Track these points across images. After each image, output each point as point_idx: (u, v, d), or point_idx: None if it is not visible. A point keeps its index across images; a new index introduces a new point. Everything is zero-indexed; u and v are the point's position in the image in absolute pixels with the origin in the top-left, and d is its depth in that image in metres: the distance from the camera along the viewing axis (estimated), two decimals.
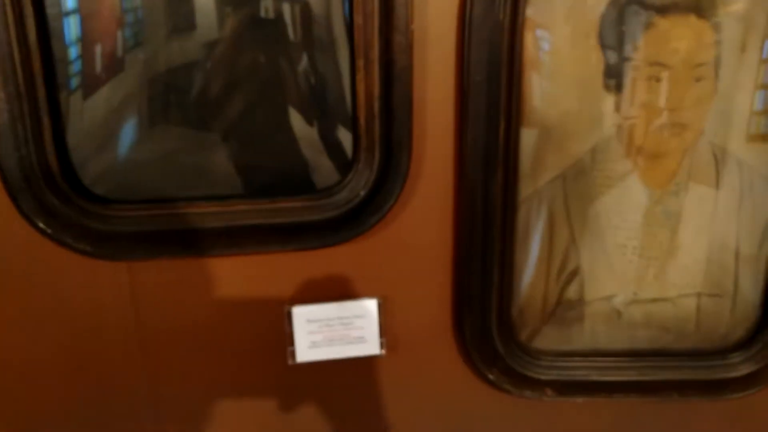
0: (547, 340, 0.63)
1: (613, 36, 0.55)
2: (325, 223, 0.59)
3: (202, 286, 0.63)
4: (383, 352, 0.64)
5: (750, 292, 0.62)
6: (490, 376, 0.64)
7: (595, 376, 0.62)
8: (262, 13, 0.55)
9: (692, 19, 0.54)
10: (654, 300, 0.62)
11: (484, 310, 0.62)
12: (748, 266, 0.61)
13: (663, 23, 0.54)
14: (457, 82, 0.55)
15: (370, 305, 0.63)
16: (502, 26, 0.52)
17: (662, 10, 0.54)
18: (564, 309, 0.63)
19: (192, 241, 0.59)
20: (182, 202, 0.59)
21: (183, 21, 0.55)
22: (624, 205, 0.59)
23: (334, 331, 0.64)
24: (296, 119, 0.58)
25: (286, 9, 0.55)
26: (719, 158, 0.57)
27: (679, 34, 0.53)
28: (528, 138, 0.57)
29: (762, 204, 0.59)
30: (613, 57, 0.55)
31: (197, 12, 0.55)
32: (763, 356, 0.61)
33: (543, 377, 0.62)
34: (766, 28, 0.56)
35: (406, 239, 0.60)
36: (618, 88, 0.56)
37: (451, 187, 0.59)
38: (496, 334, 0.62)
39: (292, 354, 0.63)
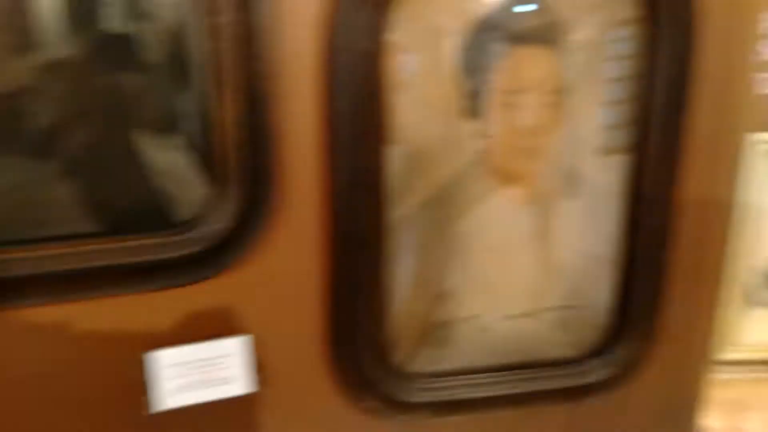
0: (421, 362, 0.64)
1: (472, 63, 0.57)
2: (185, 261, 0.54)
3: (46, 335, 0.54)
4: (258, 389, 0.60)
5: (607, 300, 0.68)
6: (366, 404, 0.63)
7: (469, 394, 0.63)
8: (113, 32, 0.49)
9: (544, 48, 0.58)
10: (521, 315, 0.65)
11: (356, 337, 0.61)
12: (605, 275, 0.67)
13: (518, 52, 0.57)
14: (321, 108, 0.54)
15: (237, 343, 0.59)
16: (366, 52, 0.52)
17: (517, 40, 0.57)
18: (436, 330, 0.64)
19: (21, 289, 0.51)
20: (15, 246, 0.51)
21: (21, 39, 0.47)
22: (489, 224, 0.62)
23: (201, 373, 0.59)
24: (151, 148, 0.53)
25: (140, 28, 0.49)
26: (575, 174, 0.62)
27: (533, 62, 0.57)
28: (395, 162, 0.58)
29: (614, 214, 0.65)
30: (472, 83, 0.58)
31: (37, 29, 0.47)
32: (620, 360, 0.67)
33: (418, 400, 0.63)
34: (606, 53, 0.62)
35: (276, 271, 0.57)
36: (477, 114, 0.58)
37: (319, 216, 0.57)
38: (369, 362, 0.61)
39: (149, 403, 0.57)
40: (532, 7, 0.57)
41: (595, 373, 0.64)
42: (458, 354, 0.64)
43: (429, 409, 0.64)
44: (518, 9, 0.57)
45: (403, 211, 0.60)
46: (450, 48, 0.56)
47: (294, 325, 0.60)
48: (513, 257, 0.63)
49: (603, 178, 0.62)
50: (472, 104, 0.57)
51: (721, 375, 0.70)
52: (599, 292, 0.64)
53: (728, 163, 0.63)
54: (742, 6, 0.58)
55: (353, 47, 0.52)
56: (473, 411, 0.64)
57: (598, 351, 0.64)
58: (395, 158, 0.58)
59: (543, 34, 0.57)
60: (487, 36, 0.56)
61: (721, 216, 0.64)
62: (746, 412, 0.78)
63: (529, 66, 0.57)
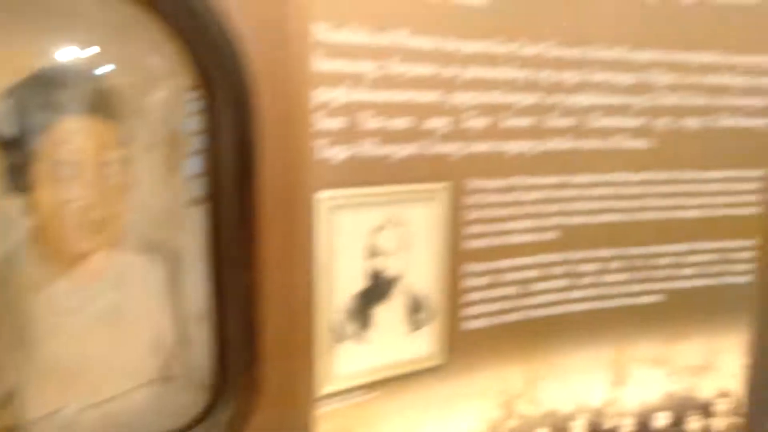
0: None
1: (14, 132, 0.51)
2: None
3: None
4: None
5: (206, 364, 0.67)
6: None
7: None
8: None
9: (97, 119, 0.55)
10: (109, 400, 0.59)
11: None
12: (200, 338, 0.66)
13: (68, 123, 0.53)
14: None
15: None
16: None
17: (65, 110, 0.53)
18: None
19: None
20: None
21: None
22: (58, 307, 0.55)
23: None
24: None
25: None
26: (154, 239, 0.60)
27: (85, 134, 0.54)
28: None
29: (201, 274, 0.66)
30: (15, 155, 0.51)
31: None
32: (224, 421, 0.67)
33: None
34: (175, 119, 0.62)
35: None
36: (24, 189, 0.52)
37: None
38: None
39: None
40: (80, 72, 0.55)
41: None
42: None
43: None
44: (65, 74, 0.53)
45: None
46: None
47: None
48: (90, 339, 0.58)
49: (185, 239, 0.62)
50: (18, 178, 0.51)
51: (324, 408, 0.76)
52: (196, 356, 0.63)
53: (303, 219, 0.70)
54: (296, 84, 0.67)
55: None
56: None
57: (202, 416, 0.63)
58: None
59: (98, 104, 0.54)
60: (29, 102, 0.50)
61: (303, 267, 0.71)
62: None
63: (82, 136, 0.53)
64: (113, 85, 0.55)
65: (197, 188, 0.63)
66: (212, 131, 0.58)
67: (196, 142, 0.63)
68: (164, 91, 0.58)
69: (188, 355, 0.63)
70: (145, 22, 0.58)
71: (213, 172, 0.60)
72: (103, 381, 0.58)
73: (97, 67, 0.56)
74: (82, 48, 0.56)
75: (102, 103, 0.54)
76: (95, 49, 0.56)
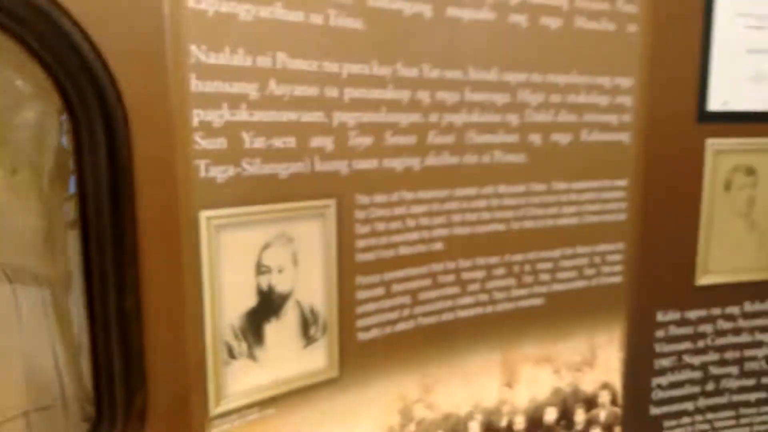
0: None
1: None
2: None
3: None
4: None
5: (85, 391, 0.65)
6: None
7: None
8: None
9: None
10: None
11: None
12: (76, 365, 0.64)
13: None
14: None
15: None
16: None
17: None
18: None
19: None
20: None
21: None
22: None
23: None
24: None
25: None
26: (16, 275, 0.59)
27: None
28: None
29: (76, 300, 0.64)
30: None
31: None
32: None
33: None
34: (44, 145, 0.61)
35: None
36: None
37: None
38: None
39: None
40: None
41: None
42: None
43: None
44: None
45: None
46: None
47: None
48: None
49: (60, 265, 0.60)
50: None
51: (217, 429, 0.76)
52: (74, 385, 0.62)
53: (188, 239, 0.70)
54: (176, 105, 0.67)
55: None
56: None
57: None
58: None
59: None
60: None
61: (190, 287, 0.71)
62: None
63: None
64: None
65: (72, 212, 0.62)
66: (82, 153, 0.57)
67: (70, 164, 0.62)
68: (31, 112, 0.57)
69: (66, 384, 0.61)
70: (9, 45, 0.57)
71: (86, 195, 0.59)
72: None
73: None
74: None
75: None
76: None
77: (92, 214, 0.59)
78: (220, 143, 0.71)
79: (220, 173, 0.72)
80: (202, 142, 0.70)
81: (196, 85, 0.68)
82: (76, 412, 0.62)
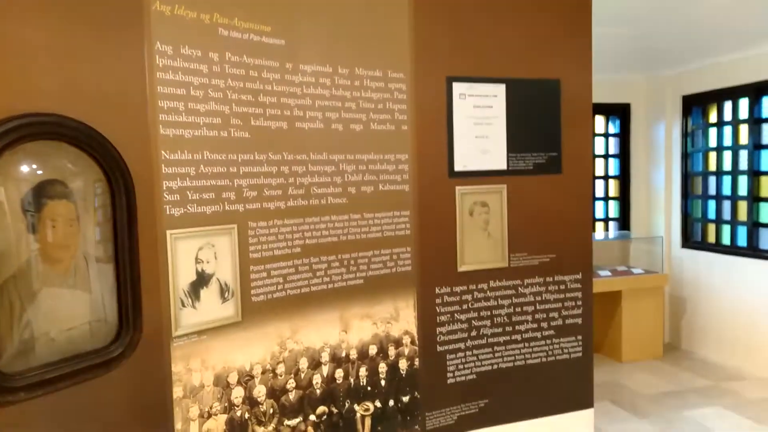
0: (12, 363, 1.15)
1: (27, 209, 1.18)
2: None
3: None
4: None
5: (114, 309, 1.34)
6: None
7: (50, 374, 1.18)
8: None
9: (64, 199, 1.23)
10: (71, 329, 1.24)
11: None
12: (108, 303, 1.33)
13: (51, 203, 1.21)
14: None
15: None
16: None
17: (50, 197, 1.21)
18: (23, 344, 1.16)
19: None
20: None
21: None
22: (52, 290, 1.21)
23: None
24: None
25: None
26: (88, 257, 1.29)
27: (63, 212, 1.22)
28: None
29: (108, 275, 1.34)
30: (29, 217, 1.18)
31: None
32: (125, 342, 1.34)
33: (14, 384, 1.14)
34: (93, 198, 1.32)
35: None
36: (34, 230, 1.18)
37: None
38: None
39: None
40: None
41: (116, 351, 1.29)
42: (35, 356, 1.18)
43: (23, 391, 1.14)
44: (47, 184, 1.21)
45: None
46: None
47: None
48: (63, 300, 1.23)
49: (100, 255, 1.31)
50: (30, 224, 1.17)
51: (176, 344, 1.45)
52: (111, 309, 1.31)
53: (162, 246, 1.41)
54: (153, 174, 1.40)
55: None
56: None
57: (115, 338, 1.31)
58: None
59: (63, 193, 1.22)
60: (32, 197, 1.17)
61: (164, 270, 1.42)
62: None
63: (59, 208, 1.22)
64: (75, 182, 1.24)
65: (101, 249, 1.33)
66: (115, 204, 1.29)
67: (99, 215, 1.32)
68: (80, 182, 1.28)
69: (108, 310, 1.30)
70: (65, 149, 1.28)
71: (116, 220, 1.30)
72: (67, 319, 1.23)
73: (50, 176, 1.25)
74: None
75: (66, 192, 1.21)
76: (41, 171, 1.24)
77: (120, 230, 1.29)
78: (176, 197, 1.44)
79: (176, 212, 1.45)
80: (168, 197, 1.43)
81: (165, 171, 1.41)
82: (111, 322, 1.30)
